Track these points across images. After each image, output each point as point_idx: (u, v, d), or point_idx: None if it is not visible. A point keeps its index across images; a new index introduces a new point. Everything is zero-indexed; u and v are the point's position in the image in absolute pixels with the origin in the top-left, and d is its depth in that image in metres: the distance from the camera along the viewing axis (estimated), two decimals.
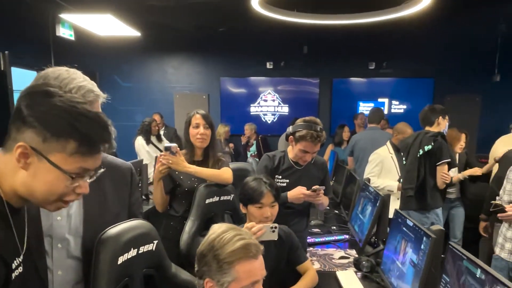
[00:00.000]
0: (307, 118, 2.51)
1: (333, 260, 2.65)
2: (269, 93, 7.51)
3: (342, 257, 2.70)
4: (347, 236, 3.10)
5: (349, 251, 2.81)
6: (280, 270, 2.22)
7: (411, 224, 2.03)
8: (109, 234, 1.28)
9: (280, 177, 2.58)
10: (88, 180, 0.98)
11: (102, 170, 1.02)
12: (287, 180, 2.58)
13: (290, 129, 2.54)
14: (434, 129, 3.46)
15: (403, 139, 3.76)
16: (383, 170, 4.05)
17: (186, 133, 2.53)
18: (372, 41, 6.96)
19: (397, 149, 4.08)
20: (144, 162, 4.50)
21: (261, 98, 7.55)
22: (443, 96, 7.02)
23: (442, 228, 1.84)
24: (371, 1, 5.13)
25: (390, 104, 7.43)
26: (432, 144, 3.33)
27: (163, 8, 5.36)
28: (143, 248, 1.37)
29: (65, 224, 1.27)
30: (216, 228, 1.30)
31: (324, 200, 2.66)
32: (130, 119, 6.98)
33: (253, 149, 6.81)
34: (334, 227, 3.40)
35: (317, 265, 2.56)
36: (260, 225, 1.93)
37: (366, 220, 2.84)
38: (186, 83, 7.47)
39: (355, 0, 5.24)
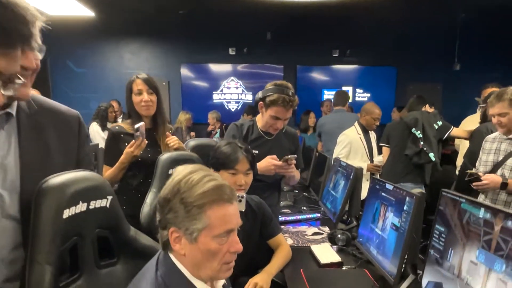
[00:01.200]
0: (278, 81, 2.34)
1: (306, 237, 2.50)
2: (232, 80, 7.29)
3: (315, 233, 2.56)
4: (319, 215, 2.97)
5: (322, 228, 2.67)
6: (252, 245, 2.04)
7: (391, 187, 1.90)
8: (51, 183, 1.06)
9: (249, 146, 2.40)
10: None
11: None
12: (257, 151, 2.40)
13: (259, 94, 2.37)
14: None
15: (408, 115, 3.78)
16: (351, 152, 3.98)
17: (129, 102, 2.28)
18: (336, 29, 6.92)
19: (365, 130, 4.02)
20: (100, 146, 4.20)
21: (224, 85, 7.33)
22: (406, 84, 7.09)
23: (423, 191, 1.73)
24: None
25: (354, 92, 7.43)
26: (441, 120, 3.65)
27: None
28: (95, 204, 1.16)
29: None
30: (181, 170, 1.09)
31: (296, 173, 2.50)
32: (84, 106, 6.54)
33: (216, 137, 6.60)
34: (305, 208, 3.26)
35: (290, 241, 2.40)
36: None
37: (339, 195, 2.72)
38: (145, 69, 7.10)
39: None
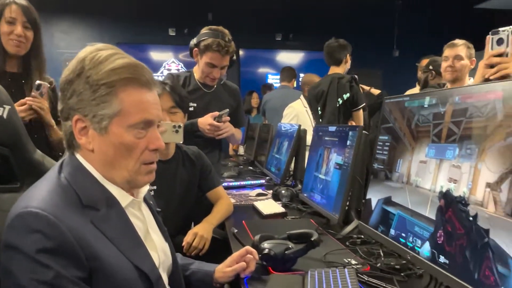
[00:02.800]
0: (213, 26, 2.20)
1: (250, 196, 2.38)
2: (173, 62, 7.00)
3: (259, 194, 2.44)
4: (263, 181, 2.86)
5: (267, 191, 2.56)
6: (190, 198, 1.89)
7: (334, 128, 1.83)
8: None
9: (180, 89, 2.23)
10: None
11: None
12: (195, 104, 2.25)
13: (194, 40, 2.21)
14: (341, 68, 3.37)
15: (314, 85, 3.60)
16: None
17: None
18: (278, 13, 6.89)
19: (309, 102, 3.97)
20: None
21: (165, 67, 7.00)
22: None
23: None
24: None
25: (298, 77, 7.44)
26: (350, 91, 3.24)
27: None
28: None
29: None
30: (88, 47, 0.91)
31: (236, 132, 2.38)
32: None
33: None
34: (249, 178, 3.14)
35: (232, 201, 2.27)
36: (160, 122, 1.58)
37: (283, 156, 2.63)
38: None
39: None
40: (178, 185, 1.83)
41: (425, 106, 0.98)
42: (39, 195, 0.82)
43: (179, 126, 1.61)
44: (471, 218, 0.76)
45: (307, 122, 3.92)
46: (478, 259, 0.73)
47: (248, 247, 1.20)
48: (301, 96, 3.99)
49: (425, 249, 0.90)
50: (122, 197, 0.92)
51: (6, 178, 1.05)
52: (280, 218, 1.91)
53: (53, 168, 0.92)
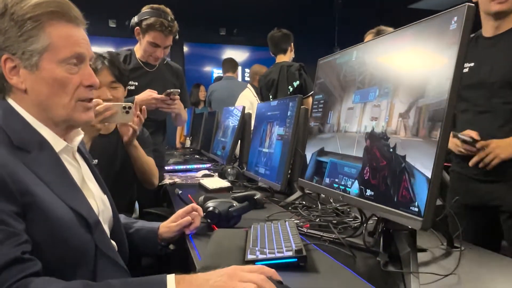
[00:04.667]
0: (155, 5, 2.19)
1: (196, 178, 2.40)
2: None
3: (205, 175, 2.47)
4: (210, 165, 2.88)
5: (212, 172, 2.58)
6: (131, 172, 1.87)
7: (275, 103, 1.90)
8: None
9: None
10: None
11: None
12: (136, 83, 2.23)
13: (135, 18, 2.19)
14: (287, 56, 3.47)
15: (264, 74, 3.68)
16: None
17: None
18: (222, 6, 6.91)
19: (259, 92, 4.03)
20: None
21: None
22: None
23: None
24: None
25: (243, 73, 7.51)
26: (299, 79, 3.34)
27: None
28: None
29: None
30: None
31: (182, 112, 2.38)
32: None
33: None
34: (195, 163, 3.15)
35: (178, 180, 2.29)
36: (109, 104, 1.56)
37: (229, 138, 2.67)
38: None
39: None
40: (118, 160, 1.81)
41: (352, 59, 1.07)
42: None
43: (129, 107, 1.59)
44: (391, 150, 0.85)
45: None
46: (396, 183, 0.81)
47: (193, 204, 1.23)
48: (249, 85, 4.05)
49: (354, 187, 0.98)
50: (56, 141, 0.92)
51: None
52: (225, 192, 1.94)
53: None
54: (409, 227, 0.80)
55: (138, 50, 2.27)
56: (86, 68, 0.92)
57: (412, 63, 0.87)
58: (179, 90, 2.15)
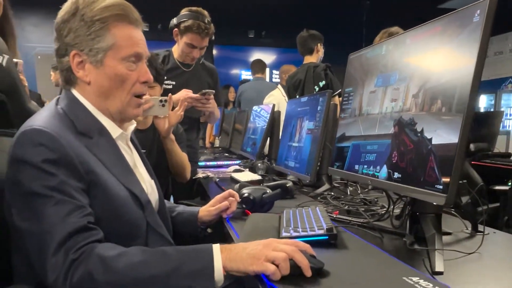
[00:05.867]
0: (193, 8, 2.31)
1: (227, 173, 2.50)
2: None
3: (236, 170, 2.56)
4: (240, 161, 2.98)
5: (243, 168, 2.67)
6: (165, 165, 1.98)
7: (305, 99, 1.98)
8: None
9: (165, 77, 2.33)
10: None
11: None
12: (173, 82, 2.35)
13: (174, 20, 2.32)
14: (314, 57, 3.53)
15: (291, 75, 3.76)
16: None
17: None
18: (251, 9, 7.03)
19: (287, 91, 4.11)
20: None
21: None
22: None
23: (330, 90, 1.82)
24: None
25: (271, 74, 7.61)
26: (325, 79, 3.40)
27: None
28: None
29: None
30: None
31: (215, 111, 2.49)
32: None
33: None
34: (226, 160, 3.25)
35: (210, 175, 2.39)
36: (147, 97, 1.68)
37: (258, 136, 2.76)
38: (51, 43, 6.56)
39: None
40: (155, 154, 1.93)
41: (382, 53, 1.14)
42: (40, 118, 0.92)
43: (165, 101, 1.71)
44: (418, 134, 0.91)
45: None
46: (423, 165, 0.88)
47: (230, 190, 1.33)
48: (279, 86, 4.13)
49: (383, 171, 1.05)
50: (113, 129, 1.03)
51: (2, 123, 1.13)
52: (256, 185, 2.02)
53: (50, 102, 1.02)
54: (434, 203, 0.86)
55: (176, 50, 2.39)
56: (143, 66, 1.03)
57: (439, 52, 0.94)
58: (214, 91, 2.26)
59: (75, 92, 1.01)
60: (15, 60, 1.79)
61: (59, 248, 0.80)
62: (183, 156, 1.97)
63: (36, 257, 0.83)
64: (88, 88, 0.99)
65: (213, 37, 2.37)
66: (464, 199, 1.10)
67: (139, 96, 1.04)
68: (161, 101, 1.71)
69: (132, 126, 1.12)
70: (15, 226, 0.86)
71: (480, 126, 2.84)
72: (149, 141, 1.92)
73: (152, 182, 1.17)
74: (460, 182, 1.19)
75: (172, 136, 1.88)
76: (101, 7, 0.96)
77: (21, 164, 0.85)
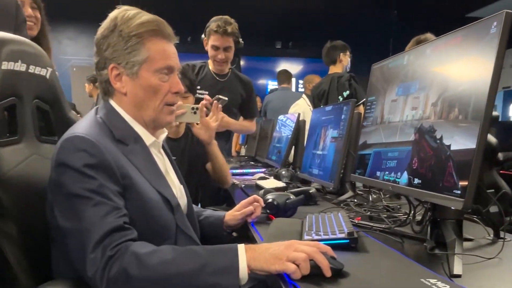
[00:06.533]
0: (219, 16, 2.41)
1: (252, 180, 2.55)
2: None
3: (261, 178, 2.61)
4: (264, 169, 3.03)
5: (268, 176, 2.72)
6: (196, 173, 2.06)
7: (329, 108, 2.02)
8: None
9: (199, 87, 2.42)
10: None
11: None
12: (207, 92, 2.44)
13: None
14: (338, 67, 3.57)
15: (316, 85, 3.81)
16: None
17: None
18: (278, 21, 7.12)
19: (312, 101, 4.15)
20: None
21: None
22: None
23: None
24: None
25: (297, 84, 7.65)
26: (349, 89, 3.44)
27: None
28: (34, 69, 1.14)
29: None
30: (116, 10, 1.09)
31: (248, 124, 2.55)
32: None
33: None
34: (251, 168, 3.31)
35: (236, 182, 2.44)
36: (179, 103, 1.76)
37: (283, 144, 2.80)
38: (85, 55, 6.87)
39: None
40: (185, 162, 2.00)
41: (404, 63, 1.18)
42: (82, 126, 1.01)
43: (197, 108, 1.80)
44: (438, 141, 0.94)
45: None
46: (442, 170, 0.91)
47: (255, 196, 1.38)
48: (303, 95, 4.19)
49: (403, 177, 1.07)
50: (146, 137, 1.11)
51: (45, 131, 1.22)
52: (281, 192, 2.06)
53: (90, 112, 1.11)
54: (453, 208, 0.88)
55: (211, 63, 2.49)
56: (174, 78, 1.10)
57: (458, 62, 0.98)
58: (226, 99, 2.30)
59: (112, 102, 1.09)
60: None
61: (98, 245, 0.87)
62: (225, 162, 2.05)
63: (76, 254, 0.91)
64: (125, 98, 1.08)
65: (240, 42, 2.43)
66: (493, 209, 1.11)
67: (171, 105, 1.11)
68: (192, 108, 1.79)
69: (163, 134, 1.20)
70: (58, 225, 0.94)
71: (509, 135, 2.80)
72: (180, 150, 2.00)
73: (182, 187, 1.24)
74: (488, 191, 1.22)
75: (215, 142, 1.96)
76: (137, 24, 1.04)
77: (64, 168, 0.93)
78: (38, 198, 1.04)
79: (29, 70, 1.11)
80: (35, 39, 1.87)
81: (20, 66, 1.08)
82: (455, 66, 0.97)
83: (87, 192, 0.91)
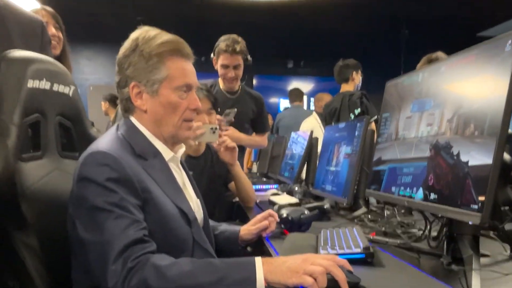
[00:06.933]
0: (227, 35, 2.46)
1: (265, 196, 2.56)
2: None
3: (274, 194, 2.62)
4: (277, 185, 3.04)
5: (281, 192, 2.73)
6: (214, 191, 2.08)
7: (343, 125, 2.03)
8: (17, 54, 1.09)
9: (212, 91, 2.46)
10: None
11: None
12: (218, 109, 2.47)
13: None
14: (350, 85, 3.59)
15: (327, 103, 3.84)
16: None
17: None
18: (289, 40, 7.21)
19: (324, 119, 4.17)
20: None
21: None
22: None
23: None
24: None
25: (308, 102, 7.69)
26: (360, 106, 3.46)
27: None
28: (58, 87, 1.18)
29: None
30: (137, 30, 1.14)
31: (260, 139, 2.57)
32: None
33: None
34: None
35: None
36: (199, 123, 1.79)
37: (296, 161, 2.81)
38: (101, 74, 7.03)
39: None
40: (204, 180, 2.03)
41: (418, 81, 1.20)
42: (104, 142, 1.05)
43: (216, 128, 1.83)
44: (455, 157, 0.95)
45: (321, 136, 4.11)
46: (459, 186, 0.91)
47: (270, 210, 1.39)
48: (314, 113, 4.22)
49: (419, 193, 1.08)
50: (165, 152, 1.14)
51: (68, 147, 1.26)
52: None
53: (111, 129, 1.14)
54: (470, 223, 0.89)
55: (221, 82, 2.54)
56: (193, 95, 1.14)
57: (472, 80, 1.00)
58: (235, 110, 2.34)
59: (133, 119, 1.13)
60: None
61: (118, 257, 0.89)
62: (249, 181, 2.10)
63: (97, 265, 0.93)
64: (145, 115, 1.11)
65: (248, 59, 2.47)
66: (508, 226, 1.11)
67: (189, 120, 1.14)
68: (212, 128, 1.83)
69: (182, 149, 1.23)
70: (79, 238, 0.97)
71: None
72: (200, 168, 2.02)
73: (198, 201, 1.26)
74: (503, 208, 1.21)
75: (238, 163, 2.01)
76: (157, 44, 1.08)
77: (87, 182, 0.96)
78: (59, 211, 1.07)
79: (53, 88, 1.16)
80: (58, 58, 1.90)
81: (44, 84, 1.12)
82: (469, 83, 0.99)
83: (109, 206, 0.93)
